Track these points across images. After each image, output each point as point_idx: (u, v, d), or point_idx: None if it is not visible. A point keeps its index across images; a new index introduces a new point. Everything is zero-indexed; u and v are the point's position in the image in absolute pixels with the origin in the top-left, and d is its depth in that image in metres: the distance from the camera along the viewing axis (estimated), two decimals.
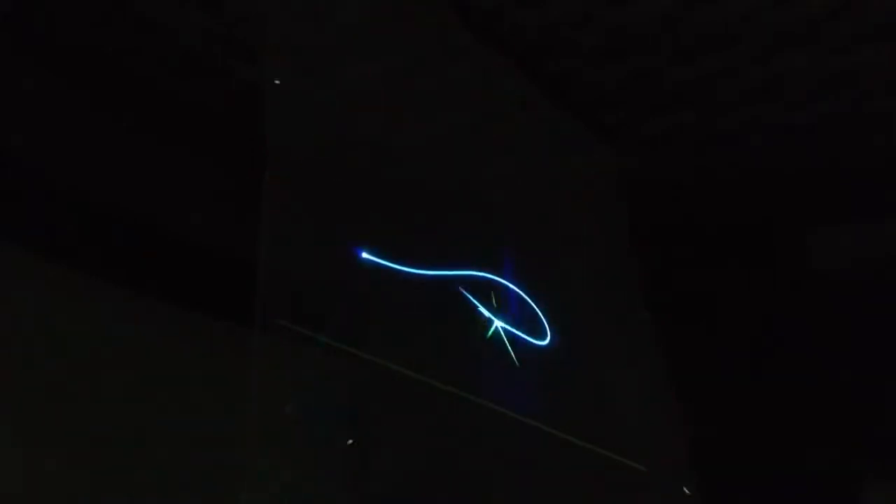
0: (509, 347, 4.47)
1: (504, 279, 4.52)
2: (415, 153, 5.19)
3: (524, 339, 4.50)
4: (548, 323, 4.62)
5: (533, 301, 4.60)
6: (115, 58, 4.63)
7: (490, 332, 4.36)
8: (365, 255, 3.74)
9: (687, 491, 5.03)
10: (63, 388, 4.07)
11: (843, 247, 6.35)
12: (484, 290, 4.36)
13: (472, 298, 4.26)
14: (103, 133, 4.63)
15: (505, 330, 4.43)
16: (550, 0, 4.54)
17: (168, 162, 4.87)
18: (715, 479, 5.44)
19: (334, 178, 4.29)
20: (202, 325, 4.66)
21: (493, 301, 4.40)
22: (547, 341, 4.60)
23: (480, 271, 4.39)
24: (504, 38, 4.77)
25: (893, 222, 6.24)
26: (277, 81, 3.69)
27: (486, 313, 4.33)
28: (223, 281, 4.55)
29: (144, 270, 4.54)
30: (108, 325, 4.35)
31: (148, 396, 4.39)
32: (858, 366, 6.04)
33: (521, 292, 4.56)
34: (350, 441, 4.49)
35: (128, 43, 4.60)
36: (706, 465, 5.24)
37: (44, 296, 4.14)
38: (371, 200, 4.08)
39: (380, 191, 4.43)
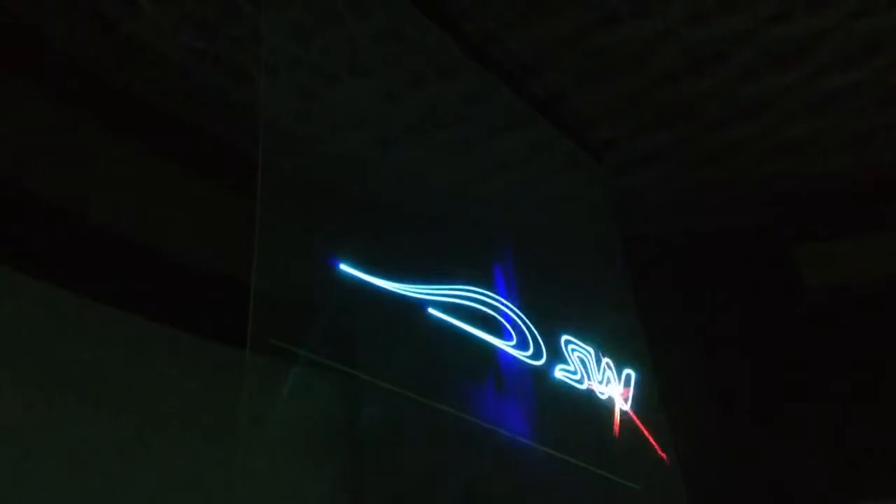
0: (502, 366, 4.47)
1: (497, 296, 4.53)
2: (409, 172, 5.24)
3: (517, 357, 4.50)
4: (542, 341, 4.63)
5: (527, 318, 4.61)
6: (109, 78, 4.66)
7: (483, 350, 4.37)
8: (353, 271, 3.75)
9: None
10: (58, 402, 4.07)
11: (835, 262, 6.38)
12: (478, 308, 4.37)
13: (465, 316, 4.27)
14: (96, 153, 4.64)
15: (497, 347, 4.44)
16: (541, 22, 4.61)
17: (160, 181, 4.89)
18: (707, 495, 5.44)
19: (327, 199, 4.33)
20: (196, 344, 4.65)
21: (487, 319, 4.41)
22: (542, 361, 4.61)
23: (475, 289, 4.40)
24: (496, 58, 4.83)
25: (883, 238, 6.27)
26: (270, 102, 3.73)
27: (480, 332, 4.34)
28: (217, 300, 4.55)
29: (138, 290, 4.54)
30: (101, 342, 4.34)
31: (144, 413, 4.37)
32: (852, 382, 6.05)
33: (514, 309, 4.57)
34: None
35: (122, 64, 4.64)
36: (698, 481, 5.25)
37: (37, 313, 4.15)
38: (363, 220, 4.10)
39: (373, 210, 4.47)
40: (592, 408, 4.89)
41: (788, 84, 5.14)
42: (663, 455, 5.04)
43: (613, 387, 5.04)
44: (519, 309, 4.57)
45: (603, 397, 4.95)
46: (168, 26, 4.44)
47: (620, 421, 5.01)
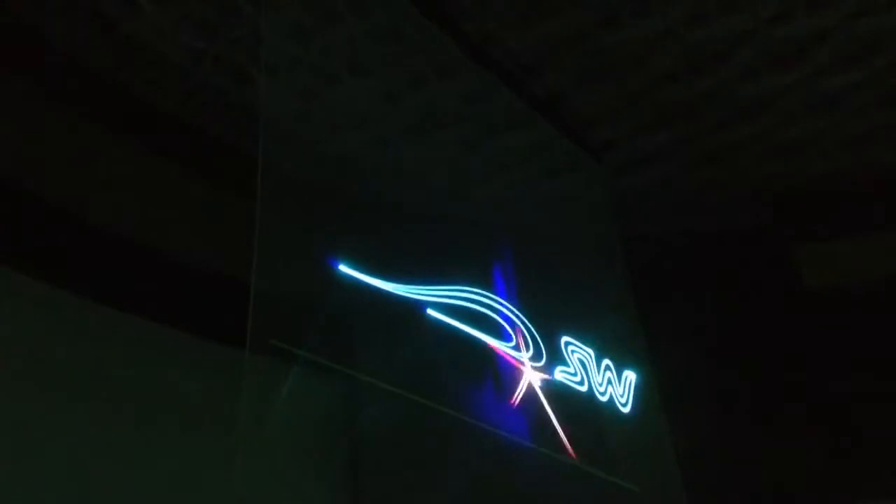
0: (501, 367, 4.46)
1: (497, 297, 4.52)
2: (409, 172, 5.24)
3: (519, 360, 4.49)
4: (542, 342, 4.62)
5: (526, 319, 4.60)
6: (109, 78, 4.66)
7: (482, 352, 4.36)
8: (352, 272, 3.75)
9: None
10: (57, 403, 4.08)
11: (835, 262, 6.38)
12: (477, 309, 4.36)
13: (465, 317, 4.27)
14: (96, 153, 4.64)
15: (498, 350, 4.43)
16: (541, 22, 4.61)
17: (160, 181, 4.89)
18: (707, 495, 5.45)
19: (327, 199, 4.32)
20: (195, 345, 4.65)
21: (486, 320, 4.40)
22: (542, 362, 4.60)
23: (474, 290, 4.39)
24: (496, 59, 4.82)
25: (883, 238, 6.27)
26: (270, 102, 3.73)
27: (479, 333, 4.33)
28: (216, 301, 4.55)
29: (138, 290, 4.54)
30: (101, 342, 4.35)
31: (144, 414, 4.38)
32: (852, 382, 6.05)
33: (514, 310, 4.56)
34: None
35: (122, 64, 4.64)
36: (698, 481, 5.25)
37: (37, 313, 4.15)
38: (363, 221, 4.10)
39: (373, 211, 4.46)
40: (592, 409, 4.88)
41: (788, 84, 5.14)
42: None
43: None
44: (518, 310, 4.56)
45: (603, 399, 4.94)
46: (168, 26, 4.44)
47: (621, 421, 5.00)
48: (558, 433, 4.52)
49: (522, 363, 4.51)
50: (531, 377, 4.54)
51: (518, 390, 4.46)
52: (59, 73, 4.51)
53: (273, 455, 3.79)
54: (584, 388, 4.80)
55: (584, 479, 4.51)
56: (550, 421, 4.56)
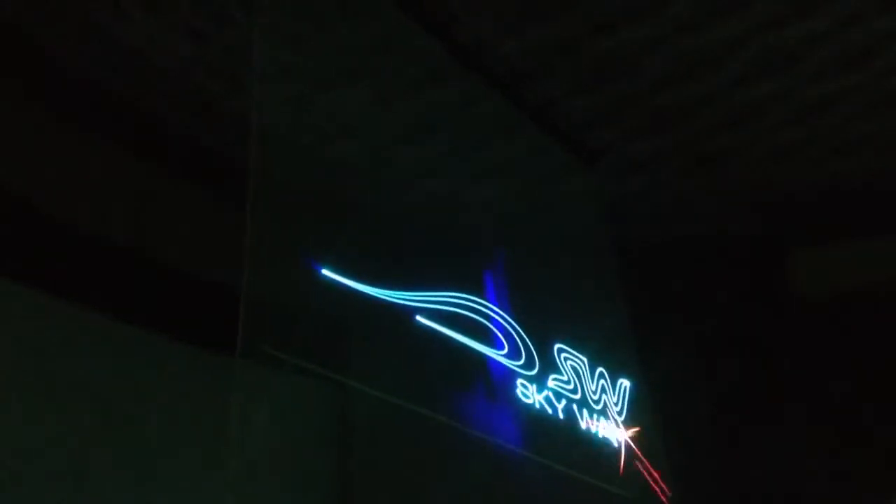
0: (494, 375, 4.45)
1: (489, 304, 4.51)
2: (401, 179, 5.23)
3: (509, 367, 4.47)
4: (534, 350, 4.60)
5: (518, 327, 4.59)
6: (100, 87, 4.66)
7: (474, 360, 4.35)
8: (343, 280, 3.74)
9: None
10: (48, 413, 4.07)
11: (831, 266, 6.39)
12: (470, 316, 4.35)
13: (457, 324, 4.26)
14: (87, 160, 4.65)
15: (491, 357, 4.42)
16: (534, 28, 4.60)
17: (152, 189, 4.88)
18: (707, 498, 5.44)
19: (319, 207, 4.32)
20: (187, 352, 4.64)
21: (479, 327, 4.39)
22: (535, 370, 4.58)
23: (467, 297, 4.38)
24: (489, 65, 4.82)
25: (879, 241, 6.28)
26: (262, 109, 3.72)
27: (472, 341, 4.32)
28: (208, 308, 4.54)
29: (130, 298, 4.53)
30: (93, 350, 4.34)
31: (139, 420, 4.38)
32: (851, 384, 6.06)
33: (506, 318, 4.55)
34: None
35: (114, 72, 4.64)
36: (692, 491, 5.24)
37: (29, 321, 4.14)
38: (355, 228, 4.10)
39: (364, 218, 4.46)
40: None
41: (782, 89, 5.14)
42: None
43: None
44: (511, 317, 4.54)
45: (597, 407, 4.92)
46: (159, 34, 4.44)
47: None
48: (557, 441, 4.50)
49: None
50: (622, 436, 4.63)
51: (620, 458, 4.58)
52: (51, 81, 4.51)
53: (265, 463, 3.77)
54: (577, 396, 4.78)
55: (578, 487, 4.50)
56: (547, 425, 4.54)
